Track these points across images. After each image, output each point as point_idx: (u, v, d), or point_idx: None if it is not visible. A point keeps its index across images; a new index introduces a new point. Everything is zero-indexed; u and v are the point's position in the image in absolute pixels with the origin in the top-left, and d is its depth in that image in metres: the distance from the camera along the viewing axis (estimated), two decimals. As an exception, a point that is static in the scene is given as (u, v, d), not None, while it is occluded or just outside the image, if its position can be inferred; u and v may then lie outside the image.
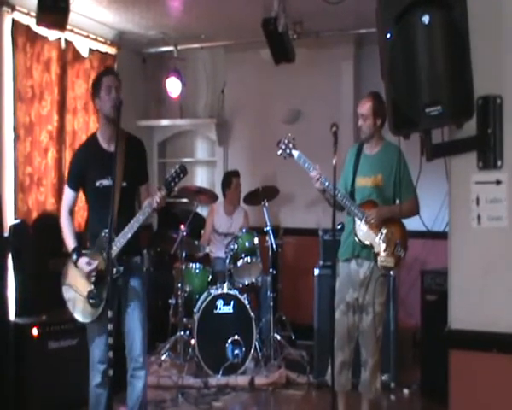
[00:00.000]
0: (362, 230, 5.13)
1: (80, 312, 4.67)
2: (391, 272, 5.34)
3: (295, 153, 5.23)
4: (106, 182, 4.56)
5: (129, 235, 4.50)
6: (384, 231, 5.12)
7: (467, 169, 3.34)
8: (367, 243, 5.13)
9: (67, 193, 4.86)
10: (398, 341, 6.63)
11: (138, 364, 4.72)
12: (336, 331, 5.12)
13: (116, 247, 4.46)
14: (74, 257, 4.64)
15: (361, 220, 5.11)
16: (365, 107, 5.23)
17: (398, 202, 5.20)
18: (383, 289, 5.21)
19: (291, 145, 5.25)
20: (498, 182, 3.28)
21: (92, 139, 4.91)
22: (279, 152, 5.30)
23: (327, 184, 5.05)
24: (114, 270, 4.42)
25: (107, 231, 4.29)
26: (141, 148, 4.98)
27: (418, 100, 3.16)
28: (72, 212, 4.89)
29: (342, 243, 5.36)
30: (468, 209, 3.35)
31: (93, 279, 4.57)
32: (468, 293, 3.36)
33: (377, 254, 5.11)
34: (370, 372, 5.21)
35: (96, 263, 4.57)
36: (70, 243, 4.74)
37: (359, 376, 5.29)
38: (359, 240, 5.13)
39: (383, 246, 5.10)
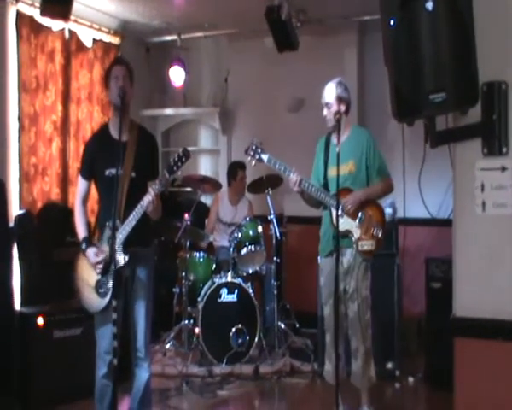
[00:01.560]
0: (339, 219, 5.00)
1: (89, 301, 4.68)
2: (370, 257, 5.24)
3: (265, 157, 5.19)
4: (115, 171, 4.56)
5: (133, 223, 4.49)
6: (361, 215, 5.13)
7: (471, 156, 3.34)
8: (346, 230, 5.12)
9: (80, 183, 4.88)
10: (403, 329, 6.64)
11: (141, 354, 4.73)
12: (328, 327, 5.18)
13: (121, 235, 4.46)
14: (83, 247, 4.66)
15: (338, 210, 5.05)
16: (329, 95, 5.22)
17: (372, 182, 5.23)
18: (367, 273, 5.22)
19: (259, 150, 5.20)
20: (503, 168, 3.27)
21: (103, 129, 4.92)
22: (248, 159, 5.26)
23: (306, 185, 5.10)
24: (121, 258, 4.44)
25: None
26: (153, 142, 4.98)
27: (422, 87, 3.16)
28: (85, 202, 4.88)
29: (321, 237, 5.36)
30: (472, 196, 3.35)
31: (99, 270, 4.57)
32: (473, 280, 3.36)
33: (358, 240, 5.12)
34: (362, 360, 5.19)
35: (103, 256, 4.56)
36: (81, 232, 4.75)
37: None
38: (338, 230, 5.02)
39: (362, 230, 5.12)
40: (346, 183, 5.14)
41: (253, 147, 5.22)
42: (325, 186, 5.24)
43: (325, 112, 5.25)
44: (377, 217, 5.18)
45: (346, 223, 5.12)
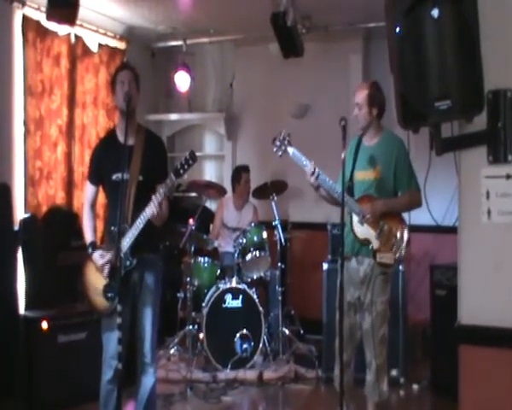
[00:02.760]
0: (359, 226, 4.96)
1: (97, 306, 4.67)
2: (389, 270, 5.05)
3: (290, 150, 5.07)
4: (122, 175, 4.56)
5: (141, 227, 4.49)
6: (382, 226, 4.94)
7: (477, 163, 3.33)
8: (365, 238, 4.96)
9: (88, 188, 4.91)
10: (408, 336, 6.63)
11: (147, 360, 4.72)
12: (339, 331, 5.08)
13: (129, 239, 4.47)
14: (89, 250, 4.68)
15: (358, 216, 4.94)
16: (360, 95, 5.03)
17: (399, 194, 5.06)
18: (385, 286, 5.02)
19: (287, 142, 5.08)
20: (509, 176, 3.27)
21: (111, 134, 4.95)
22: (274, 149, 5.11)
23: (326, 180, 4.94)
24: (127, 262, 4.45)
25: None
26: (160, 145, 4.98)
27: (427, 94, 3.16)
28: (93, 206, 4.91)
29: (345, 239, 5.25)
30: (478, 204, 3.34)
31: (106, 272, 4.58)
32: (478, 288, 3.35)
33: (376, 251, 4.94)
34: (375, 374, 5.01)
35: (108, 257, 4.57)
36: (88, 236, 4.78)
37: (365, 377, 5.14)
38: (357, 236, 4.97)
39: (382, 242, 4.94)
40: (370, 189, 4.99)
41: (281, 137, 5.08)
42: (350, 189, 5.01)
43: (356, 111, 5.07)
44: (399, 231, 4.97)
45: (365, 231, 4.95)
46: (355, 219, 4.96)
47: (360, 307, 5.05)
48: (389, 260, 4.94)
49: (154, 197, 4.45)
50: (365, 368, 5.11)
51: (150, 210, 4.45)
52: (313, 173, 4.93)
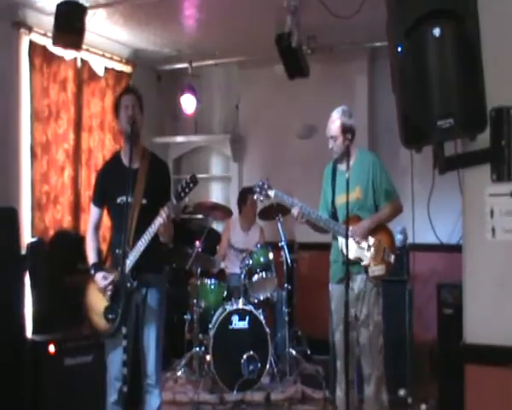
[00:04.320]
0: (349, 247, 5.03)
1: (98, 327, 4.69)
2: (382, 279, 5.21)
3: (271, 193, 5.22)
4: (126, 199, 4.58)
5: (141, 249, 4.50)
6: (371, 241, 5.12)
7: (480, 181, 3.33)
8: (356, 256, 5.10)
9: (92, 210, 4.95)
10: (415, 355, 6.60)
11: (152, 381, 4.73)
12: (339, 353, 5.14)
13: (130, 261, 4.48)
14: (92, 272, 4.69)
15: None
16: (334, 127, 5.19)
17: (380, 207, 5.22)
18: (378, 298, 5.17)
19: (266, 186, 5.22)
20: (513, 194, 3.26)
21: (115, 157, 4.98)
22: (255, 196, 5.29)
23: (310, 213, 5.11)
24: (128, 284, 4.45)
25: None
26: (164, 169, 5.02)
27: (430, 113, 3.16)
28: (97, 229, 4.95)
29: (332, 264, 5.34)
30: (482, 222, 3.33)
31: (109, 294, 4.59)
32: (483, 306, 3.33)
33: (367, 266, 5.10)
34: (375, 386, 5.12)
35: (111, 277, 4.59)
36: (91, 258, 4.81)
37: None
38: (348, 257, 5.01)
39: (372, 256, 5.10)
40: (353, 210, 5.11)
41: (260, 183, 5.24)
42: (334, 214, 5.24)
43: (331, 144, 5.22)
44: (386, 241, 5.17)
45: (355, 250, 5.10)
46: (343, 241, 4.98)
47: (356, 324, 5.14)
48: (381, 271, 5.11)
49: (156, 220, 4.48)
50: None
51: (152, 232, 4.47)
52: (300, 215, 5.11)
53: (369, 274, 5.09)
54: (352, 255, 5.04)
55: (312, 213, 5.13)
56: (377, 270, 5.09)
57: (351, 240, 5.03)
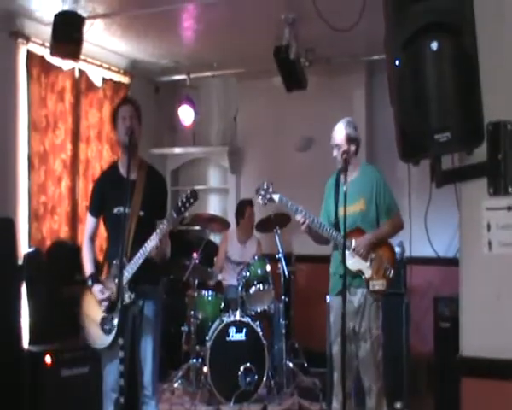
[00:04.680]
0: (350, 259, 5.09)
1: (94, 338, 4.69)
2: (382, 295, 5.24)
3: (276, 196, 5.23)
4: (123, 209, 4.59)
5: (140, 261, 4.50)
6: (373, 255, 5.13)
7: (477, 195, 3.33)
8: (358, 269, 5.12)
9: (89, 220, 4.95)
10: (412, 368, 6.59)
11: (148, 392, 4.72)
12: (335, 365, 5.14)
13: (128, 273, 4.47)
14: (89, 283, 4.69)
15: (349, 250, 5.08)
16: (339, 136, 5.24)
17: (384, 221, 5.25)
18: (378, 313, 5.19)
19: (270, 190, 5.24)
20: (510, 208, 3.26)
21: (113, 167, 4.98)
22: (259, 199, 5.29)
23: (315, 221, 5.13)
24: (126, 296, 4.44)
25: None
26: (161, 182, 5.04)
27: (427, 126, 3.16)
28: (93, 239, 4.95)
29: (331, 276, 5.35)
30: (479, 235, 3.33)
31: (104, 307, 4.59)
32: (480, 320, 3.33)
33: (369, 280, 5.12)
34: (376, 399, 5.14)
35: (108, 293, 4.59)
36: (88, 269, 4.81)
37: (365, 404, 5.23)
38: (349, 269, 5.05)
39: (374, 270, 5.12)
40: (356, 222, 5.14)
41: (264, 186, 5.25)
42: (336, 225, 5.21)
43: (335, 153, 5.25)
44: (388, 256, 5.19)
45: (357, 263, 5.12)
46: (346, 253, 4.98)
47: (355, 337, 5.15)
48: (382, 286, 5.14)
49: (155, 234, 4.47)
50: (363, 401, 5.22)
51: (151, 245, 4.47)
52: (304, 222, 5.13)
53: (369, 288, 5.11)
54: (353, 268, 5.08)
55: (316, 222, 5.13)
56: (378, 284, 5.11)
57: (352, 253, 5.08)
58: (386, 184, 5.22)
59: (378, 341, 5.16)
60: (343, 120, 5.33)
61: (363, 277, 5.12)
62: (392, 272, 5.16)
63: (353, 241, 5.10)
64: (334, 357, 5.23)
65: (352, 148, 5.20)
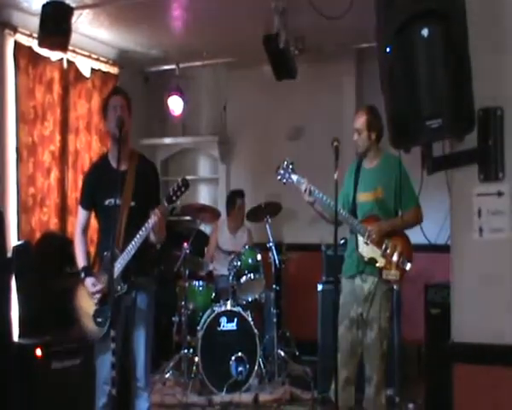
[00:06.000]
0: (365, 245, 5.10)
1: (87, 330, 4.67)
2: (394, 286, 5.24)
3: (295, 177, 5.21)
4: (114, 201, 4.57)
5: (132, 252, 4.49)
6: (387, 244, 5.08)
7: (468, 181, 3.34)
8: (371, 257, 5.09)
9: (80, 213, 4.91)
10: (403, 355, 6.61)
11: (141, 384, 4.71)
12: (340, 347, 5.10)
13: (120, 264, 4.46)
14: (82, 275, 4.67)
15: (363, 237, 5.08)
16: (360, 121, 5.20)
17: (400, 213, 5.15)
18: (388, 303, 5.17)
19: (290, 169, 5.23)
20: (500, 194, 3.27)
21: (103, 159, 4.95)
22: (278, 177, 5.27)
23: (320, 195, 5.10)
24: (118, 287, 4.44)
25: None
26: (153, 170, 5.01)
27: (418, 113, 3.16)
28: (85, 231, 4.91)
29: (346, 259, 5.33)
30: (469, 221, 3.34)
31: (96, 300, 4.58)
32: (471, 305, 3.34)
33: (382, 269, 5.08)
34: (375, 388, 5.13)
35: (100, 286, 4.58)
36: (80, 261, 4.78)
37: (364, 391, 5.21)
38: (363, 256, 5.09)
39: (387, 259, 5.07)
40: (373, 210, 5.15)
41: (284, 166, 5.24)
42: (353, 211, 5.22)
43: (355, 137, 5.22)
44: (403, 247, 5.12)
45: (370, 250, 5.10)
46: (360, 239, 5.08)
47: (362, 324, 5.14)
48: (395, 276, 5.07)
49: (156, 209, 4.46)
50: (363, 388, 5.19)
51: (153, 219, 4.45)
52: (306, 191, 5.09)
53: (382, 277, 5.07)
54: (366, 255, 5.09)
55: (324, 200, 5.10)
56: (391, 274, 5.06)
57: (367, 240, 5.08)
58: (408, 178, 5.10)
59: (385, 333, 5.13)
60: (366, 105, 5.33)
61: (377, 265, 5.09)
62: (407, 264, 5.09)
63: (368, 227, 5.07)
64: (340, 339, 5.18)
65: (373, 135, 5.16)
